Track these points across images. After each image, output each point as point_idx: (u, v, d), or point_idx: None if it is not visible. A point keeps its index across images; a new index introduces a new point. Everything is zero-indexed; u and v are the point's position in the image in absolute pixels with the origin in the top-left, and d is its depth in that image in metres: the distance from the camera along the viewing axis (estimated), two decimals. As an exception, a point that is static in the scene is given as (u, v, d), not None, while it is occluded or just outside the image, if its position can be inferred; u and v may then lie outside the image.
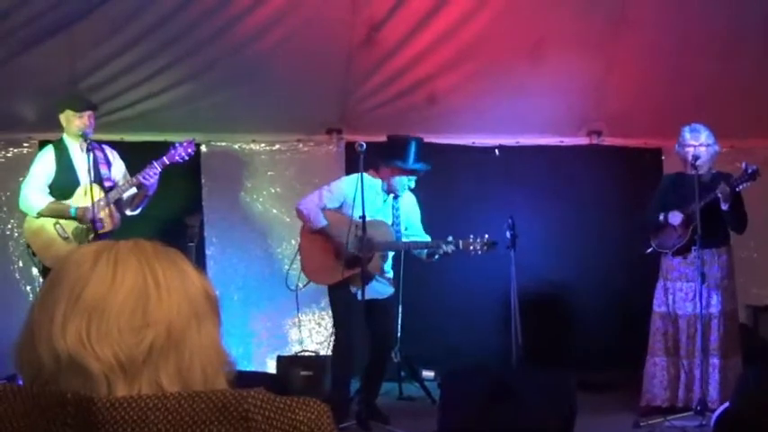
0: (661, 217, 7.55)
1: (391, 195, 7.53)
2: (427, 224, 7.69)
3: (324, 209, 7.49)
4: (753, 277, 9.43)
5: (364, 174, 7.30)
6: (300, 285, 7.66)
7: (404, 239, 7.55)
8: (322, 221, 7.47)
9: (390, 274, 7.66)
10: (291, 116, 9.22)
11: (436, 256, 7.46)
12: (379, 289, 7.46)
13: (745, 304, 9.26)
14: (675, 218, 7.46)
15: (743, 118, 9.06)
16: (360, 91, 9.03)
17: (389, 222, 7.48)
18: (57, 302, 1.55)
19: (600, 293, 9.45)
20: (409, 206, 7.64)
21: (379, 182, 7.46)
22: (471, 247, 7.39)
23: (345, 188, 7.52)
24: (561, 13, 8.57)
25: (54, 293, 1.56)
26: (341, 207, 7.51)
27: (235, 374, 1.67)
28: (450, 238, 7.34)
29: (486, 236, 7.40)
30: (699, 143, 7.41)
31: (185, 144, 7.45)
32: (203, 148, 9.26)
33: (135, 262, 1.59)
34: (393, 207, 7.56)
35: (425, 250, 7.47)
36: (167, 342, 1.55)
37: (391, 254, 7.60)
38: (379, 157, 7.52)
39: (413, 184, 7.48)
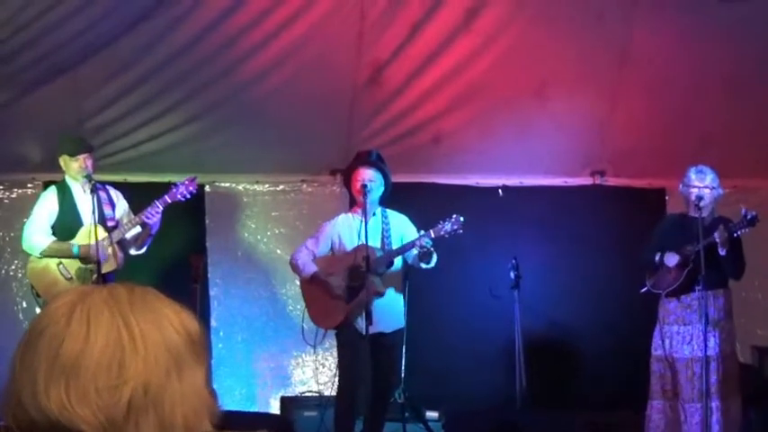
0: (657, 257, 7.50)
1: (376, 215, 7.54)
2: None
3: (315, 256, 7.60)
4: (757, 318, 9.39)
5: (347, 213, 7.78)
6: (319, 334, 7.66)
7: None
8: (311, 269, 7.56)
9: (400, 306, 7.65)
10: (295, 157, 9.24)
11: (432, 261, 7.41)
12: (385, 320, 7.43)
13: (750, 345, 9.22)
14: (671, 259, 7.41)
15: (747, 158, 9.06)
16: (364, 131, 9.04)
17: (379, 240, 7.49)
18: (38, 363, 1.52)
19: (604, 334, 9.41)
20: (402, 225, 7.63)
21: (358, 216, 7.50)
22: (443, 231, 7.28)
23: (329, 231, 7.67)
24: (565, 54, 8.60)
25: (34, 352, 1.54)
26: (332, 250, 7.62)
27: (220, 418, 1.63)
28: (422, 232, 7.32)
29: (455, 215, 7.35)
30: (704, 185, 7.38)
31: (186, 182, 7.44)
32: (207, 189, 9.28)
33: (108, 315, 1.55)
34: (383, 223, 7.57)
35: (418, 257, 7.43)
36: (145, 398, 1.52)
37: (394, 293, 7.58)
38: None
39: (372, 195, 7.48)
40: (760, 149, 9.08)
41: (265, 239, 9.43)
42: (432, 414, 8.80)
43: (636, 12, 8.36)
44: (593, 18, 8.37)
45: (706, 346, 7.14)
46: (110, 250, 7.28)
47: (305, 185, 9.54)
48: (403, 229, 7.60)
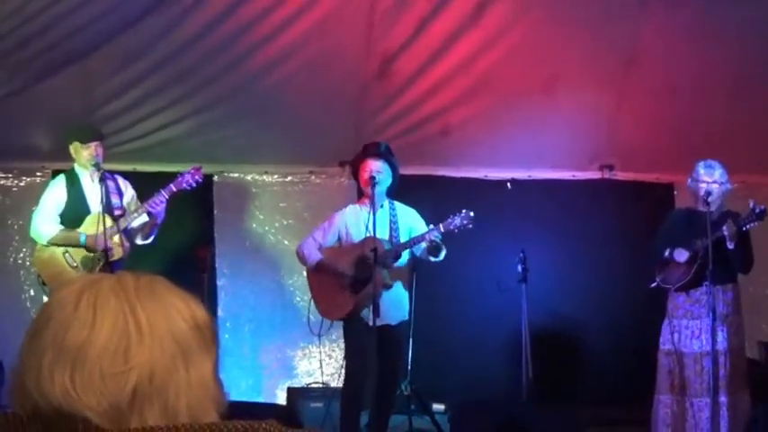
0: (666, 253, 7.47)
1: (383, 207, 7.54)
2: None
3: (322, 247, 7.57)
4: (764, 314, 9.39)
5: (355, 204, 7.75)
6: (325, 325, 7.66)
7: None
8: (317, 256, 7.53)
9: (406, 299, 7.64)
10: (304, 148, 9.24)
11: (441, 255, 7.39)
12: (391, 313, 7.43)
13: (757, 341, 9.21)
14: (681, 255, 7.37)
15: (755, 154, 9.04)
16: (373, 123, 9.04)
17: (387, 232, 7.47)
18: (43, 349, 1.52)
19: (611, 328, 9.41)
20: (410, 218, 7.62)
21: (366, 208, 7.50)
22: (452, 226, 7.25)
23: (337, 222, 7.63)
24: (574, 49, 8.60)
25: (40, 338, 1.55)
26: (339, 241, 7.61)
27: (226, 408, 1.62)
28: (432, 226, 7.32)
29: (464, 210, 7.35)
30: (712, 180, 7.34)
31: (192, 171, 7.43)
32: (216, 179, 9.29)
33: (115, 302, 1.55)
34: (391, 216, 7.56)
35: (427, 251, 7.41)
36: (150, 386, 1.52)
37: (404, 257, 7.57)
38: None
39: (381, 185, 7.45)
40: (766, 147, 9.06)
41: (273, 230, 9.43)
42: (438, 406, 8.79)
43: (644, 10, 8.36)
44: (602, 15, 8.37)
45: (714, 340, 7.12)
46: (116, 239, 7.28)
47: (313, 177, 9.54)
48: (411, 221, 7.58)
